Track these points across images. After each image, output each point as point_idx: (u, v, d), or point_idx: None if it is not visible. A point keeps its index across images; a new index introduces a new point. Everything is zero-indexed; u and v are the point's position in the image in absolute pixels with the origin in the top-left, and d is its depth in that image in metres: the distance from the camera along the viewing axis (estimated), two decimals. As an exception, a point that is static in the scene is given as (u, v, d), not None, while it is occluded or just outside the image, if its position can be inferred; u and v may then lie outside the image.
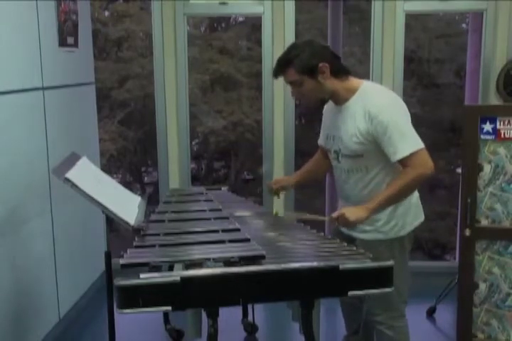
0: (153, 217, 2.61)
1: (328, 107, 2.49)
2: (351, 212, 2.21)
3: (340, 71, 2.30)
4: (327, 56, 2.28)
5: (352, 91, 2.31)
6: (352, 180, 2.38)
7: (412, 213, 2.38)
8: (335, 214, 2.24)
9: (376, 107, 2.22)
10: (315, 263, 1.93)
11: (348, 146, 2.31)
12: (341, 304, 2.73)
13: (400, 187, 2.21)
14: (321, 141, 2.61)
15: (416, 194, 2.42)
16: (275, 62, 2.34)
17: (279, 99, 4.02)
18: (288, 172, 4.07)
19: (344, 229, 2.46)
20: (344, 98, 2.33)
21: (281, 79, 2.38)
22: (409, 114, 2.29)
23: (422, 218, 2.45)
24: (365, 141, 2.25)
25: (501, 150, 2.84)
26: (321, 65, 2.25)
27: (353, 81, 2.34)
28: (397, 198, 2.25)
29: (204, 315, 1.98)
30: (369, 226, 2.35)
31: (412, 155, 2.18)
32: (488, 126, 2.84)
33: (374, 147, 2.26)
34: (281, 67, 2.30)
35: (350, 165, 2.35)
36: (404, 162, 2.20)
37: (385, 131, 2.19)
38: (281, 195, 2.80)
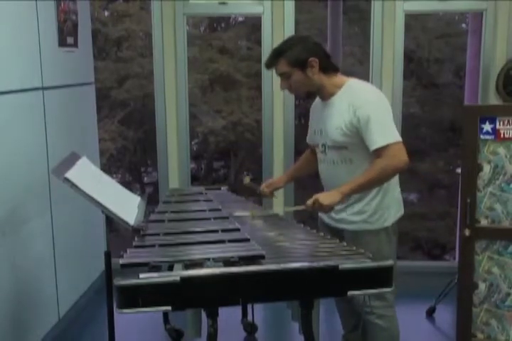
0: (153, 216, 2.61)
1: (315, 104, 2.60)
2: (324, 197, 2.30)
3: (329, 67, 2.42)
4: (318, 52, 2.40)
5: (338, 86, 2.42)
6: (337, 172, 2.47)
7: (395, 206, 2.51)
8: (309, 201, 2.33)
9: (360, 100, 2.34)
10: (314, 263, 1.93)
11: (334, 138, 2.41)
12: (336, 303, 2.77)
13: (372, 175, 2.31)
14: (308, 139, 2.71)
15: (397, 189, 2.54)
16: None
17: (278, 98, 4.02)
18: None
19: (331, 222, 2.56)
20: (330, 93, 2.44)
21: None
22: (391, 110, 2.40)
23: (402, 211, 2.57)
24: (349, 132, 2.36)
25: (501, 150, 2.84)
26: (311, 59, 2.36)
27: (340, 78, 2.46)
28: (369, 185, 2.35)
29: (204, 314, 1.98)
30: (356, 217, 2.46)
31: (387, 146, 2.28)
32: (487, 126, 2.84)
33: (357, 139, 2.36)
34: (274, 57, 2.42)
35: (335, 157, 2.45)
36: (379, 152, 2.30)
37: (366, 123, 2.30)
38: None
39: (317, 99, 2.57)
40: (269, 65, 2.45)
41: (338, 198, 2.29)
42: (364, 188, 2.36)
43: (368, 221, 2.45)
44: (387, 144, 2.28)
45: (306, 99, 2.57)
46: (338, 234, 2.46)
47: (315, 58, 2.36)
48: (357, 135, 2.34)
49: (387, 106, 2.39)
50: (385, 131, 2.30)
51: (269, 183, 2.83)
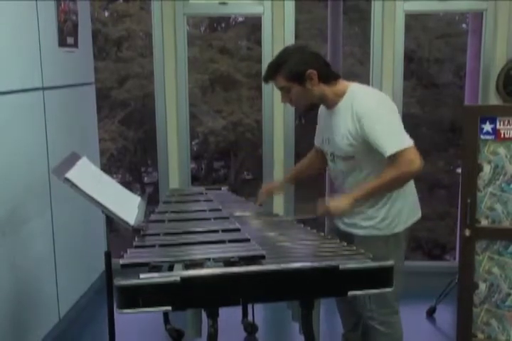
0: (153, 217, 2.61)
1: (322, 110, 2.55)
2: (335, 206, 2.33)
3: (329, 77, 2.36)
4: (315, 63, 2.34)
5: (340, 94, 2.37)
6: (348, 180, 2.45)
7: (407, 211, 2.45)
8: (321, 210, 2.37)
9: (363, 108, 2.27)
10: (315, 263, 1.93)
11: (341, 148, 2.37)
12: (337, 302, 2.77)
13: (385, 181, 2.28)
14: (316, 142, 2.68)
15: (412, 194, 2.48)
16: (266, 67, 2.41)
17: (278, 99, 4.01)
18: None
19: (342, 225, 2.54)
20: (333, 102, 2.39)
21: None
22: (397, 112, 2.35)
23: (418, 215, 2.52)
24: (355, 141, 2.31)
25: (501, 151, 2.84)
26: (308, 71, 2.30)
27: (341, 84, 2.39)
28: (382, 191, 2.34)
29: (204, 315, 1.98)
30: (366, 223, 2.43)
31: (399, 152, 2.22)
32: (487, 126, 2.84)
33: (364, 148, 2.31)
34: (270, 73, 2.37)
35: (344, 166, 2.42)
36: (394, 159, 2.24)
37: (374, 131, 2.24)
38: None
39: (322, 106, 2.51)
40: (266, 80, 2.41)
41: (349, 205, 2.31)
42: (378, 193, 2.33)
43: (377, 227, 2.41)
44: (400, 150, 2.21)
45: (309, 111, 2.48)
46: (347, 238, 2.42)
47: (313, 70, 2.30)
48: (363, 143, 2.29)
49: (393, 110, 2.33)
50: (396, 137, 2.24)
51: (267, 189, 2.84)
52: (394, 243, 2.42)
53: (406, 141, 2.25)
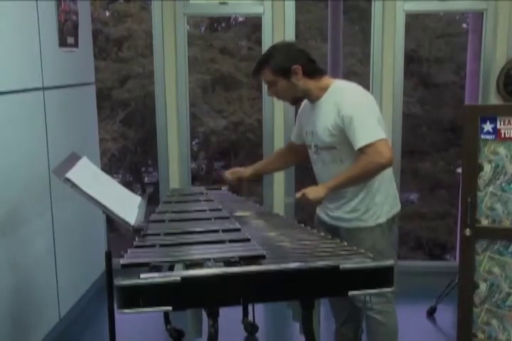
0: (154, 216, 2.61)
1: (305, 105, 2.66)
2: (311, 192, 2.39)
3: (314, 72, 2.49)
4: (301, 59, 2.47)
5: (324, 89, 2.49)
6: (329, 171, 2.52)
7: (389, 202, 2.55)
8: (298, 195, 2.42)
9: (344, 101, 2.39)
10: (315, 263, 1.93)
11: (322, 139, 2.48)
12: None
13: (356, 171, 2.38)
14: (293, 137, 2.82)
15: (392, 186, 2.58)
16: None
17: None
18: (288, 172, 4.08)
19: (327, 219, 2.63)
20: (317, 96, 2.51)
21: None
22: (376, 109, 2.45)
23: (398, 207, 2.62)
24: (336, 133, 2.42)
25: (501, 150, 2.84)
26: (294, 67, 2.43)
27: (326, 80, 2.52)
28: (353, 181, 2.42)
29: (204, 315, 1.98)
30: (350, 215, 2.52)
31: (371, 144, 2.31)
32: (488, 126, 2.84)
33: (344, 139, 2.41)
34: (258, 67, 2.51)
35: (326, 157, 2.52)
36: (363, 151, 2.34)
37: (350, 123, 2.35)
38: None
39: (306, 101, 2.62)
40: (255, 74, 2.54)
41: (323, 193, 2.38)
42: (349, 183, 2.42)
43: (361, 218, 2.51)
44: (370, 142, 2.31)
45: (295, 104, 2.65)
46: (334, 231, 2.54)
47: (298, 66, 2.43)
48: (342, 135, 2.40)
49: (372, 106, 2.44)
50: (368, 130, 2.34)
51: (235, 170, 2.95)
52: (380, 233, 2.52)
53: (378, 135, 2.33)
